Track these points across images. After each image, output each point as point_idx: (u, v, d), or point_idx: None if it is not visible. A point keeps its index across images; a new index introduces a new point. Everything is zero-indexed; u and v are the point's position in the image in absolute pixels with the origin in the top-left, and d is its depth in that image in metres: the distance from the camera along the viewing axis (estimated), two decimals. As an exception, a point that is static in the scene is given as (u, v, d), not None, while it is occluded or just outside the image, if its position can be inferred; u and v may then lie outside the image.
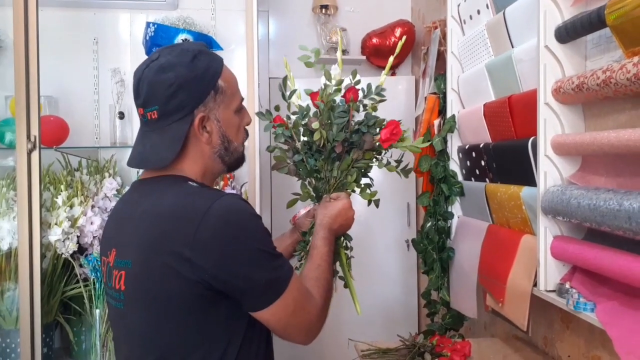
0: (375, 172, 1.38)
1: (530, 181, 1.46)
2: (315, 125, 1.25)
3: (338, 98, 1.29)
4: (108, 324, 1.88)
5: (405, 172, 1.35)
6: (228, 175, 2.23)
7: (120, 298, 1.00)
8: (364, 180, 1.35)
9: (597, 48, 1.26)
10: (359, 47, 2.98)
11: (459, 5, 2.00)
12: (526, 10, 1.49)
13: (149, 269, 0.95)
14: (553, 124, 1.31)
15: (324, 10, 2.94)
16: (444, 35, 2.17)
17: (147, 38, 2.15)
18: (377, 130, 1.29)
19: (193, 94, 1.00)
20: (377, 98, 1.31)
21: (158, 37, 2.13)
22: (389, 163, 1.33)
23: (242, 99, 1.11)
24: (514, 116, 1.56)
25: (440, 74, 2.17)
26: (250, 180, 2.09)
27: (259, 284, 0.95)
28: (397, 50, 1.43)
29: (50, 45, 2.28)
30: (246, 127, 1.14)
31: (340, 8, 3.01)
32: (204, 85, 1.01)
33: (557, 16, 1.30)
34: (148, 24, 2.17)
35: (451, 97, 2.03)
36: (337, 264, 1.34)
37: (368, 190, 1.34)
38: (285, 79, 1.34)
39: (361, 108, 1.30)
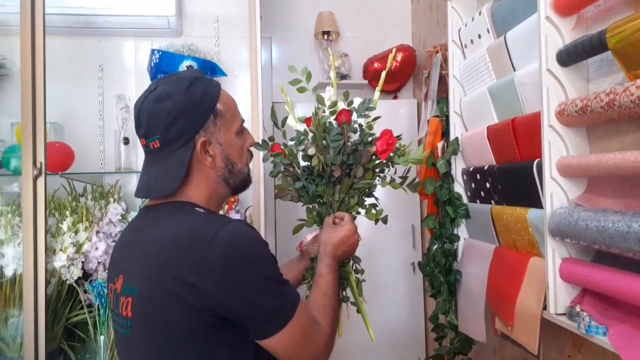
0: (380, 194, 1.37)
1: (536, 203, 1.46)
2: (311, 151, 1.24)
3: (333, 121, 1.28)
4: (113, 350, 1.86)
5: (412, 186, 1.33)
6: (232, 199, 2.23)
7: (127, 325, 0.99)
8: (369, 201, 1.33)
9: (599, 71, 1.27)
10: (361, 72, 3.02)
11: (459, 30, 2.02)
12: (527, 35, 1.51)
13: (155, 296, 0.94)
14: (558, 146, 1.32)
15: (325, 37, 2.98)
16: (445, 59, 2.19)
17: (152, 65, 2.18)
18: (372, 146, 1.28)
19: (192, 120, 1.01)
20: (370, 115, 1.30)
21: (163, 64, 2.17)
22: (393, 180, 1.32)
23: (243, 121, 1.12)
24: (517, 138, 1.56)
25: (443, 97, 2.19)
26: (255, 204, 2.09)
27: (264, 311, 0.94)
28: (389, 63, 1.45)
29: (56, 73, 2.31)
30: (250, 148, 1.15)
31: (342, 34, 3.06)
32: (202, 110, 1.02)
33: (558, 40, 1.31)
34: (153, 51, 2.20)
35: (454, 119, 2.05)
36: (348, 289, 1.32)
37: (373, 211, 1.33)
38: (272, 108, 1.35)
39: (357, 129, 1.29)
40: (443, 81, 2.24)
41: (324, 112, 1.31)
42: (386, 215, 1.32)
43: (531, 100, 1.50)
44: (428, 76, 2.49)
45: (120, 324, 1.01)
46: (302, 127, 1.33)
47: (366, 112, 1.29)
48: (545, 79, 1.32)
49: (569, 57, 1.27)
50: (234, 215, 2.18)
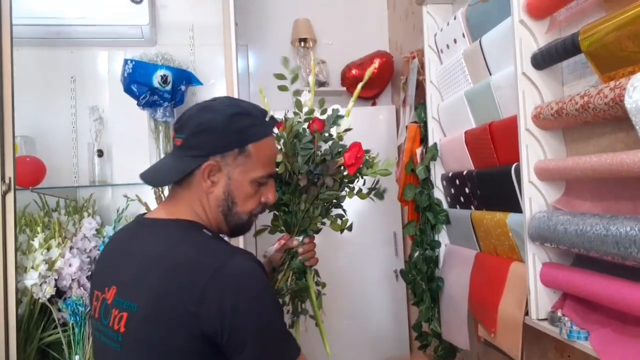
0: (360, 203, 1.35)
1: (516, 207, 1.45)
2: (279, 157, 1.22)
3: (306, 128, 1.27)
4: (87, 371, 1.80)
5: (378, 194, 1.32)
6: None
7: (117, 339, 0.96)
8: (336, 211, 1.33)
9: (573, 74, 1.27)
10: (339, 79, 3.00)
11: (435, 35, 2.02)
12: (502, 38, 1.50)
13: (156, 318, 0.92)
14: (535, 150, 1.31)
15: (302, 44, 2.97)
16: (422, 65, 2.19)
17: (125, 75, 2.14)
18: (340, 158, 1.27)
19: (215, 141, 1.03)
20: (341, 125, 1.29)
21: (136, 74, 2.12)
22: (360, 191, 1.32)
23: (271, 176, 1.11)
24: (495, 143, 1.56)
25: (420, 103, 2.18)
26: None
27: (257, 356, 0.92)
28: (366, 76, 1.43)
29: (26, 84, 2.25)
30: (265, 203, 1.12)
31: (319, 41, 3.05)
32: (229, 139, 1.03)
33: (532, 43, 1.31)
34: (126, 60, 2.16)
35: (432, 125, 2.04)
36: (307, 301, 1.32)
37: (339, 221, 1.32)
38: None
39: (327, 138, 1.29)
40: (421, 87, 2.23)
41: (300, 118, 1.29)
42: (351, 223, 1.32)
43: (507, 104, 1.50)
44: (406, 82, 2.48)
45: (109, 337, 0.98)
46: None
47: (338, 122, 1.28)
48: (521, 82, 1.31)
49: (544, 60, 1.26)
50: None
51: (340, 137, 1.29)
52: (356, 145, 1.26)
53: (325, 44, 3.07)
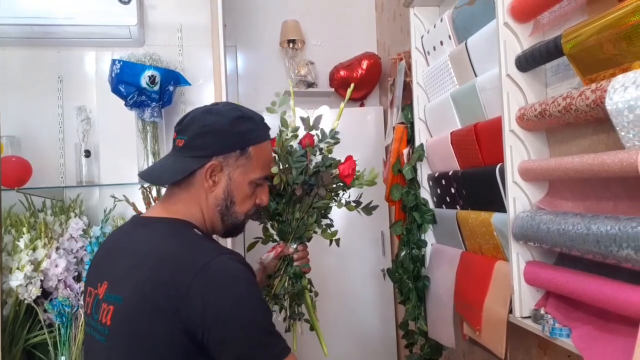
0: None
1: (500, 207, 1.47)
2: (274, 170, 1.28)
3: (296, 144, 1.35)
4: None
5: (368, 210, 1.41)
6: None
7: (104, 333, 0.97)
8: (324, 221, 1.40)
9: (556, 76, 1.29)
10: (327, 80, 3.02)
11: (422, 37, 2.04)
12: (487, 41, 1.52)
13: (139, 311, 0.93)
14: (519, 151, 1.33)
15: (291, 45, 2.98)
16: (409, 67, 2.21)
17: (113, 75, 2.13)
18: (334, 169, 1.36)
19: (218, 142, 1.07)
20: (332, 141, 1.38)
21: (124, 74, 2.12)
22: (348, 202, 1.40)
23: (268, 179, 1.16)
24: (480, 143, 1.58)
25: (407, 104, 2.20)
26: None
27: (244, 357, 0.93)
28: (347, 96, 1.52)
29: (12, 84, 2.24)
30: (259, 205, 1.17)
31: (307, 42, 3.06)
32: (232, 140, 1.07)
33: (516, 46, 1.33)
34: (114, 61, 2.15)
35: (419, 126, 2.06)
36: (303, 305, 1.38)
37: (329, 230, 1.40)
38: None
39: (317, 152, 1.37)
40: (408, 88, 2.25)
41: (287, 135, 1.37)
42: (339, 239, 1.42)
43: (492, 106, 1.52)
44: (393, 83, 2.50)
45: (98, 330, 0.99)
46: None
47: (330, 140, 1.37)
48: (505, 84, 1.33)
49: (527, 62, 1.28)
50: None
51: (329, 151, 1.38)
52: (350, 158, 1.36)
53: (313, 45, 3.09)
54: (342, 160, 1.36)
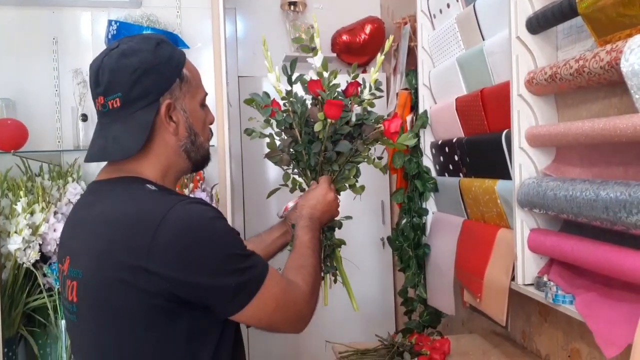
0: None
1: (505, 174, 1.45)
2: (321, 115, 1.23)
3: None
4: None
5: (382, 168, 1.40)
6: (198, 177, 2.16)
7: (73, 310, 0.94)
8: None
9: (568, 38, 1.25)
10: (329, 45, 2.95)
11: (428, 0, 1.98)
12: (496, 2, 1.47)
13: (101, 281, 0.88)
14: (527, 116, 1.30)
15: (292, 8, 2.90)
16: (414, 31, 2.15)
17: (109, 37, 2.08)
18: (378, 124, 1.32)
19: (158, 80, 0.95)
20: (377, 93, 1.33)
21: (121, 36, 2.05)
22: (380, 159, 1.37)
23: (206, 94, 1.06)
24: (486, 110, 1.54)
25: (411, 70, 2.15)
26: (221, 181, 2.03)
27: (228, 289, 0.89)
28: (386, 48, 1.47)
29: (6, 46, 2.18)
30: (210, 126, 1.09)
31: (309, 5, 2.97)
32: (169, 72, 0.96)
33: (527, 7, 1.28)
34: (110, 22, 2.09)
35: (423, 92, 2.02)
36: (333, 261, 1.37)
37: (357, 185, 1.38)
38: (294, 61, 1.33)
39: (361, 104, 1.33)
40: (412, 53, 2.20)
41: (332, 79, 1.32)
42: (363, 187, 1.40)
43: (500, 70, 1.48)
44: (397, 49, 2.44)
45: (67, 309, 0.96)
46: (283, 86, 1.34)
47: (375, 91, 1.33)
48: (515, 47, 1.29)
49: (539, 23, 1.24)
50: (200, 194, 2.11)
51: (370, 104, 1.34)
52: (396, 115, 1.33)
53: (315, 8, 3.00)
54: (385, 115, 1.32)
